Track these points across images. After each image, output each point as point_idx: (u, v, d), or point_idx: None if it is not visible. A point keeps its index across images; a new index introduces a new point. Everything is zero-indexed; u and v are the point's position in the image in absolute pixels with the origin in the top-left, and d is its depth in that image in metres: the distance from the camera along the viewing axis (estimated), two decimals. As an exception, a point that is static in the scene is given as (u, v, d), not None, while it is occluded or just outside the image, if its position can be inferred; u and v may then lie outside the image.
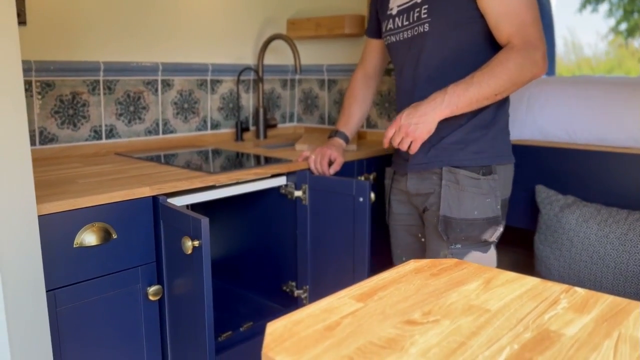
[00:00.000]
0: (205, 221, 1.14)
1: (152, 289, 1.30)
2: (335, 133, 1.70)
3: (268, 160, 1.68)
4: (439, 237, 1.39)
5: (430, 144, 1.38)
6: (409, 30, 1.40)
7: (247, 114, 2.26)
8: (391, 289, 0.84)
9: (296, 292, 1.74)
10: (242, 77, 2.20)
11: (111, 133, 1.83)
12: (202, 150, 1.88)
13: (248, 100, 2.25)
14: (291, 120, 2.46)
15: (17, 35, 0.93)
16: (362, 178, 1.83)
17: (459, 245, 1.38)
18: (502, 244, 1.66)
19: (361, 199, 1.55)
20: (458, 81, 1.26)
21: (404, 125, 1.28)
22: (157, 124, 1.96)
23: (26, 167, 0.98)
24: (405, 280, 0.88)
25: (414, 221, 1.53)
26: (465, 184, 1.35)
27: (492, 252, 1.42)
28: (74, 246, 1.17)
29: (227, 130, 2.18)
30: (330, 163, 1.63)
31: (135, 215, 1.27)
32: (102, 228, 1.21)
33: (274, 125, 2.27)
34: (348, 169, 1.78)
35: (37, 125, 1.65)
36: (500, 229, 1.39)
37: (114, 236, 1.24)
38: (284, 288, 1.78)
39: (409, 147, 1.31)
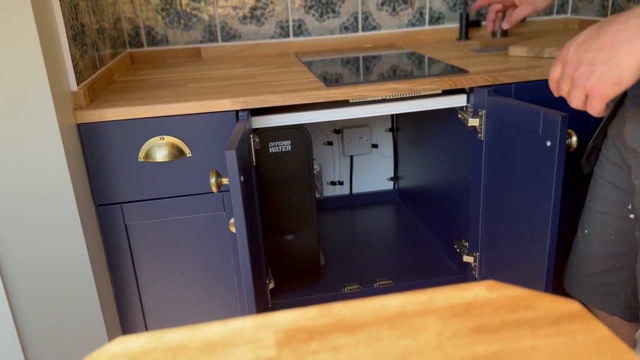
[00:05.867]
0: (231, 155, 0.84)
1: (232, 220, 1.10)
2: None
3: (450, 71, 1.19)
4: None
5: None
6: None
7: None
8: (356, 339, 0.38)
9: (465, 257, 1.27)
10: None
11: (299, 30, 1.61)
12: (397, 53, 1.48)
13: (489, -16, 1.65)
14: (563, 11, 1.72)
15: None
16: None
17: None
18: None
19: (549, 143, 0.94)
20: None
21: (571, 62, 0.65)
22: (356, 19, 1.62)
23: (39, 73, 0.87)
24: (407, 325, 0.37)
25: (627, 185, 0.89)
26: None
27: None
28: (139, 160, 1.06)
29: (452, 26, 1.67)
30: None
31: (214, 131, 1.06)
32: (171, 143, 1.05)
33: (522, 19, 1.62)
34: None
35: (217, 21, 1.56)
36: None
37: (188, 154, 1.07)
38: (455, 246, 1.32)
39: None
